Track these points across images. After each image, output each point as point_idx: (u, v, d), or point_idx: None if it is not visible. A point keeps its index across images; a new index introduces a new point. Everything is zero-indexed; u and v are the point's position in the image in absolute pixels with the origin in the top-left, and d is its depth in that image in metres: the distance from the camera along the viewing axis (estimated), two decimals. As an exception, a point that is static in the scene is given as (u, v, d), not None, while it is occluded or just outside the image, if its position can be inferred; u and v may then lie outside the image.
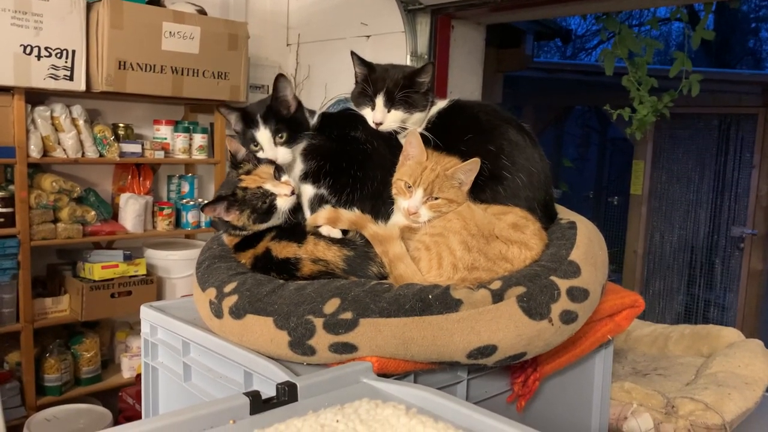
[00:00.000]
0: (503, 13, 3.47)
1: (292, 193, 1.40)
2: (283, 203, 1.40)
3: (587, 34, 11.21)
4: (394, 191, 1.38)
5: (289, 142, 1.43)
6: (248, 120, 1.45)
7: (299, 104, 1.48)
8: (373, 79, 1.47)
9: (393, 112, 1.43)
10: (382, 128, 1.44)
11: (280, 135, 1.42)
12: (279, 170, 1.43)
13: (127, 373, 3.31)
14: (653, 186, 5.29)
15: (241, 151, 1.47)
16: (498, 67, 4.82)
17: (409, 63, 3.40)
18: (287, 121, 1.44)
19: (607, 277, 1.44)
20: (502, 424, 0.85)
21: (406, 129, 1.45)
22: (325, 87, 3.76)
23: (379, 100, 1.44)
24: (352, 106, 1.53)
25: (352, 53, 1.52)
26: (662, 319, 5.13)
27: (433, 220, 1.33)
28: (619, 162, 6.97)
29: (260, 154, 1.45)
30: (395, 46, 3.44)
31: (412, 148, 1.37)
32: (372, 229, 1.34)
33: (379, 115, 1.44)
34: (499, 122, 1.42)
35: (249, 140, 1.45)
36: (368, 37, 3.59)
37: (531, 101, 6.56)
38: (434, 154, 1.38)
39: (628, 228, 5.45)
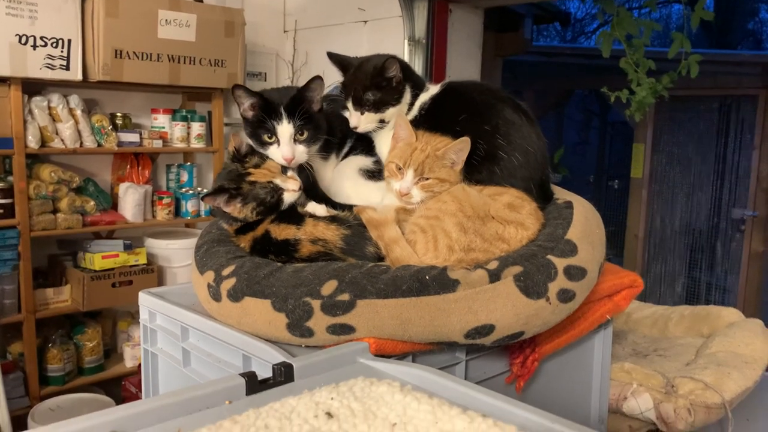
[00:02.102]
0: (501, -3, 3.45)
1: (300, 188, 1.38)
2: (289, 197, 1.38)
3: (587, 17, 11.15)
4: (386, 174, 1.39)
5: (308, 142, 1.38)
6: (268, 109, 1.37)
7: (322, 108, 1.43)
8: (344, 83, 1.46)
9: (366, 114, 1.42)
10: (359, 131, 1.44)
11: (301, 132, 1.36)
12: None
13: (129, 362, 3.33)
14: (654, 169, 5.27)
15: (244, 145, 1.42)
16: (497, 51, 4.79)
17: (406, 48, 3.38)
18: (311, 119, 1.38)
19: (606, 257, 1.44)
20: (498, 401, 0.86)
21: (384, 125, 1.44)
22: (323, 73, 3.73)
23: (350, 105, 1.43)
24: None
25: (329, 54, 1.50)
26: (663, 301, 5.13)
27: (427, 202, 1.33)
28: (619, 145, 6.96)
29: (272, 149, 1.37)
30: (393, 31, 3.42)
31: (401, 130, 1.38)
32: (368, 213, 1.34)
33: (354, 121, 1.43)
34: (495, 101, 1.41)
35: (265, 130, 1.36)
36: (365, 22, 3.57)
37: (531, 85, 6.54)
38: (424, 135, 1.38)
39: (628, 211, 5.44)
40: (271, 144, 1.37)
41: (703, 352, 2.12)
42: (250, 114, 1.40)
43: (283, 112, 1.35)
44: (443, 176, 1.34)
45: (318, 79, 1.39)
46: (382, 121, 1.43)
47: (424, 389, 0.90)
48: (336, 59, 1.50)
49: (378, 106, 1.41)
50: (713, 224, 5.14)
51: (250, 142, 1.41)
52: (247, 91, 1.38)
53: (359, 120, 1.42)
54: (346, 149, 1.54)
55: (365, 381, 0.89)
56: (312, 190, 1.47)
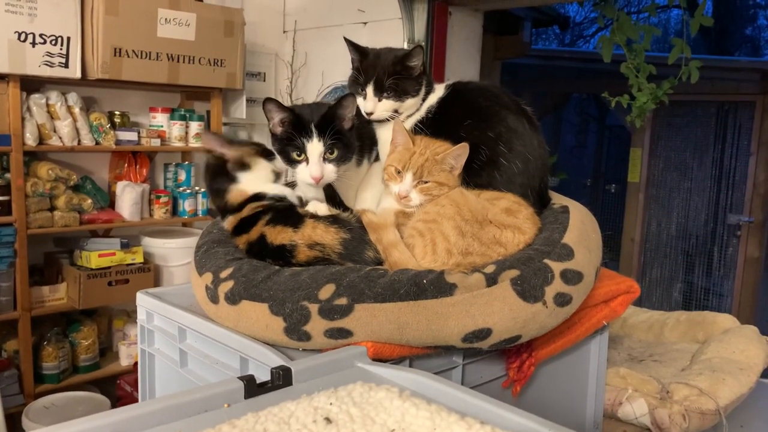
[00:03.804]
0: (501, 0, 3.45)
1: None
2: None
3: (585, 21, 11.17)
4: (385, 177, 1.39)
5: (338, 161, 1.34)
6: (298, 126, 1.32)
7: (353, 126, 1.37)
8: (364, 67, 1.43)
9: (384, 101, 1.41)
10: (373, 118, 1.42)
11: (331, 151, 1.32)
12: None
13: (125, 361, 3.32)
14: (651, 174, 5.29)
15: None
16: (496, 54, 4.80)
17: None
18: (342, 137, 1.33)
19: (602, 262, 1.45)
20: (496, 407, 0.86)
21: (396, 116, 1.43)
22: (322, 74, 3.75)
23: (369, 90, 1.41)
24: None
25: (346, 39, 1.48)
26: (659, 306, 5.13)
27: (425, 205, 1.34)
28: (616, 150, 6.98)
29: (300, 167, 1.33)
30: (392, 33, 3.42)
31: (399, 135, 1.38)
32: (367, 216, 1.34)
33: (369, 105, 1.41)
34: (499, 108, 1.41)
35: (294, 148, 1.32)
36: (365, 23, 3.58)
37: (529, 89, 6.55)
38: (423, 140, 1.39)
39: (625, 216, 5.45)
40: (299, 162, 1.34)
41: (698, 358, 2.12)
42: (279, 130, 1.35)
43: (313, 129, 1.31)
44: (442, 180, 1.34)
45: (350, 96, 1.35)
46: (396, 111, 1.41)
47: (423, 394, 0.90)
48: (353, 44, 1.48)
49: (399, 94, 1.40)
50: (709, 229, 5.16)
51: (279, 159, 1.38)
52: (279, 106, 1.33)
53: (375, 106, 1.40)
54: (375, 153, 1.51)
55: (364, 386, 0.89)
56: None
